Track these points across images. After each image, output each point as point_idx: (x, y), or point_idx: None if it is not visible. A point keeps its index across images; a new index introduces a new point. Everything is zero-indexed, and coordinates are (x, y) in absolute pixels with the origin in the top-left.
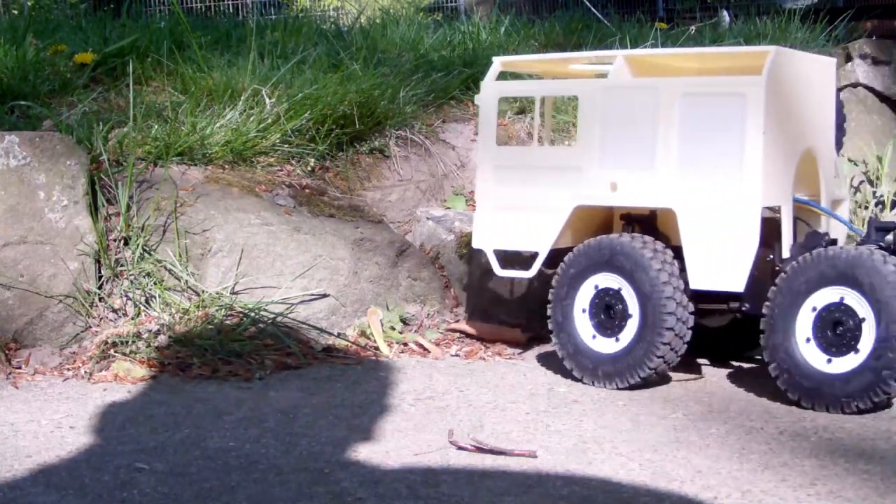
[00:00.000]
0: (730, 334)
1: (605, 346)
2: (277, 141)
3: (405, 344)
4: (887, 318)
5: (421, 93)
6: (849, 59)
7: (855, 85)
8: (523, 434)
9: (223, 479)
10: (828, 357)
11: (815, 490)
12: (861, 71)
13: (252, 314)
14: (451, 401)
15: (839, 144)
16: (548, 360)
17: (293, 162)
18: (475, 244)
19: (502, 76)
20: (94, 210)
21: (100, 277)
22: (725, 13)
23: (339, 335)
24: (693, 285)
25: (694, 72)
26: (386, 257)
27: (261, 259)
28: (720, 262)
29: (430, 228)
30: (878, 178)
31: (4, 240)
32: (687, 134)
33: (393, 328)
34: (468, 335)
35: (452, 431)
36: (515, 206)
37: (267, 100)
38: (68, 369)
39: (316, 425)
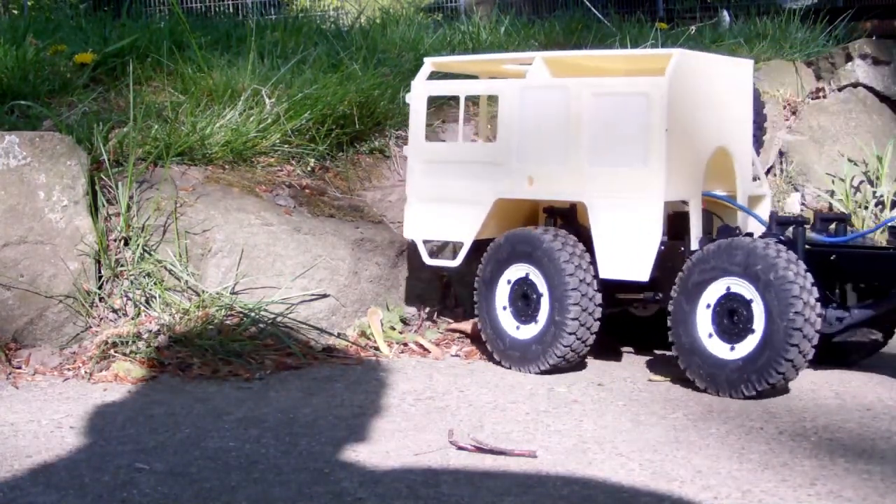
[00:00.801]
0: (657, 324)
1: (523, 332)
2: (277, 141)
3: (405, 344)
4: (776, 307)
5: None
6: (849, 59)
7: (855, 85)
8: (523, 434)
9: (223, 479)
10: (728, 345)
11: (815, 490)
12: (861, 71)
13: (252, 314)
14: (451, 401)
15: (759, 144)
16: None
17: (293, 162)
18: (406, 234)
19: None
20: (94, 210)
21: (100, 277)
22: (725, 13)
23: (339, 335)
24: (602, 275)
25: (623, 72)
26: (386, 257)
27: (261, 259)
28: (627, 253)
29: None
30: (878, 178)
31: (4, 240)
32: (596, 131)
33: (393, 328)
34: (468, 335)
35: (452, 431)
36: (442, 199)
37: (267, 100)
38: (68, 369)
39: (316, 425)
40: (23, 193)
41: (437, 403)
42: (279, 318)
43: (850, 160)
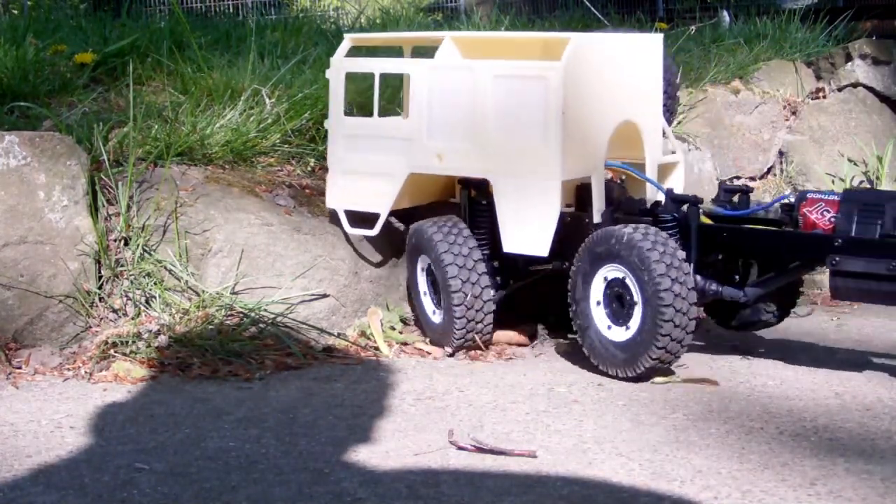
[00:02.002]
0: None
1: (436, 316)
2: (277, 141)
3: (405, 344)
4: (648, 289)
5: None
6: (849, 59)
7: (855, 85)
8: (523, 434)
9: (223, 479)
10: (612, 324)
11: (815, 490)
12: (861, 71)
13: (252, 314)
14: (451, 401)
15: (672, 114)
16: (548, 361)
17: (293, 162)
18: (328, 204)
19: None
20: (94, 210)
21: (100, 277)
22: (725, 13)
23: (339, 335)
24: (505, 249)
25: (540, 54)
26: (386, 257)
27: (261, 259)
28: (528, 229)
29: None
30: (878, 178)
31: (4, 240)
32: (499, 112)
33: (393, 328)
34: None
35: (452, 431)
36: (360, 171)
37: (267, 100)
38: (68, 369)
39: (316, 425)
40: (23, 193)
41: (437, 403)
42: (279, 318)
43: (850, 160)
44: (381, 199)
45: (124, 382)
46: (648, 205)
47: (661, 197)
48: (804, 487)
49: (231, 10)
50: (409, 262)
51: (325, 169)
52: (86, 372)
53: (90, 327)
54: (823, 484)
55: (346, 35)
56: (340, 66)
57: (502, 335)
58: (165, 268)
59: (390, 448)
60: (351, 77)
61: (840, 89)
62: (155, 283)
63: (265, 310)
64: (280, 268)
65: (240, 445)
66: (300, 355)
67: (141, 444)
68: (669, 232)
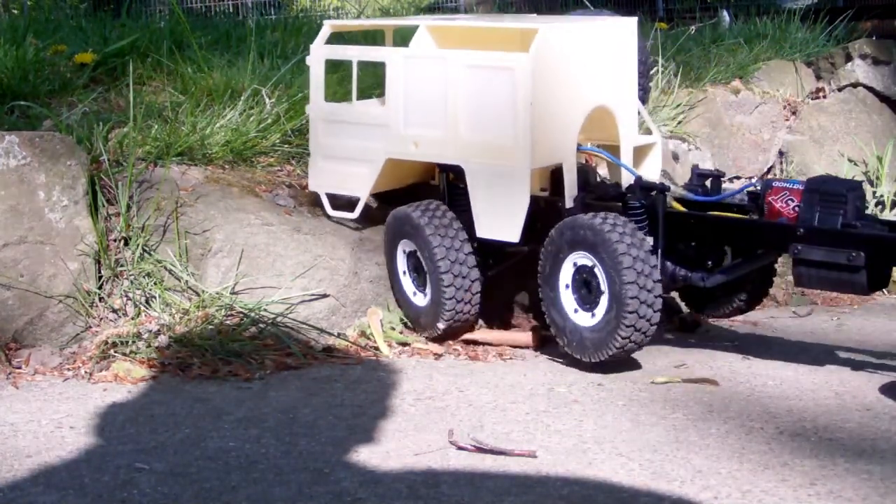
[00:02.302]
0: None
1: (417, 298)
2: (277, 141)
3: (405, 344)
4: (614, 277)
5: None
6: (849, 59)
7: (855, 85)
8: (523, 434)
9: (223, 479)
10: (587, 313)
11: (815, 490)
12: (861, 71)
13: (252, 314)
14: (451, 401)
15: (645, 91)
16: (548, 361)
17: (293, 162)
18: (310, 187)
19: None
20: (94, 210)
21: (100, 277)
22: (725, 13)
23: (339, 335)
24: (478, 234)
25: (517, 43)
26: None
27: (261, 259)
28: (499, 215)
29: None
30: (878, 178)
31: (4, 240)
32: (471, 100)
33: (393, 328)
34: (478, 343)
35: (452, 431)
36: (340, 156)
37: (267, 100)
38: (68, 369)
39: (316, 425)
40: (23, 193)
41: (437, 403)
42: (279, 318)
43: (850, 160)
44: (360, 183)
45: (124, 382)
46: (622, 189)
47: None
48: (804, 487)
49: (231, 10)
50: (389, 245)
51: None
52: (86, 372)
53: (90, 327)
54: (823, 484)
55: (325, 22)
56: (320, 52)
57: (507, 336)
58: (165, 268)
59: (390, 448)
60: (335, 64)
61: (840, 89)
62: (155, 283)
63: (265, 310)
64: (280, 268)
65: (240, 445)
66: (300, 355)
67: (141, 444)
68: (637, 219)
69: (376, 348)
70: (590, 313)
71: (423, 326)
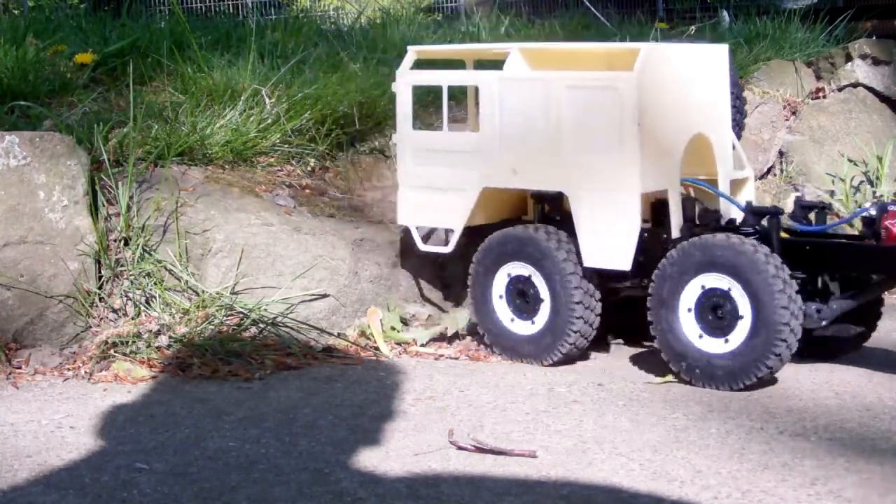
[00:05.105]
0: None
1: (522, 328)
2: (277, 141)
3: (405, 344)
4: (761, 303)
5: (421, 93)
6: (849, 59)
7: (855, 85)
8: (523, 434)
9: (223, 479)
10: (710, 339)
11: (815, 490)
12: (861, 71)
13: (252, 314)
14: (451, 401)
15: (740, 127)
16: None
17: (293, 162)
18: (399, 221)
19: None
20: (94, 210)
21: (100, 277)
22: (725, 13)
23: (339, 335)
24: (585, 263)
25: (604, 64)
26: (386, 257)
27: (261, 259)
28: (608, 242)
29: (431, 228)
30: (878, 178)
31: (4, 240)
32: (574, 123)
33: (393, 328)
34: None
35: (452, 431)
36: (432, 187)
37: (267, 100)
38: (68, 369)
39: (316, 425)
40: (23, 193)
41: (437, 403)
42: (279, 318)
43: (850, 160)
44: (454, 215)
45: (124, 382)
46: (724, 219)
47: (735, 213)
48: (804, 487)
49: (231, 10)
50: (487, 267)
51: (325, 169)
52: (86, 372)
53: (90, 327)
54: (823, 484)
55: (409, 48)
56: (407, 79)
57: None
58: (165, 268)
59: (390, 448)
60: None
61: (840, 89)
62: (155, 283)
63: (265, 310)
64: (280, 268)
65: (240, 445)
66: (300, 355)
67: (141, 444)
68: None
69: (376, 348)
70: (722, 339)
71: (525, 355)
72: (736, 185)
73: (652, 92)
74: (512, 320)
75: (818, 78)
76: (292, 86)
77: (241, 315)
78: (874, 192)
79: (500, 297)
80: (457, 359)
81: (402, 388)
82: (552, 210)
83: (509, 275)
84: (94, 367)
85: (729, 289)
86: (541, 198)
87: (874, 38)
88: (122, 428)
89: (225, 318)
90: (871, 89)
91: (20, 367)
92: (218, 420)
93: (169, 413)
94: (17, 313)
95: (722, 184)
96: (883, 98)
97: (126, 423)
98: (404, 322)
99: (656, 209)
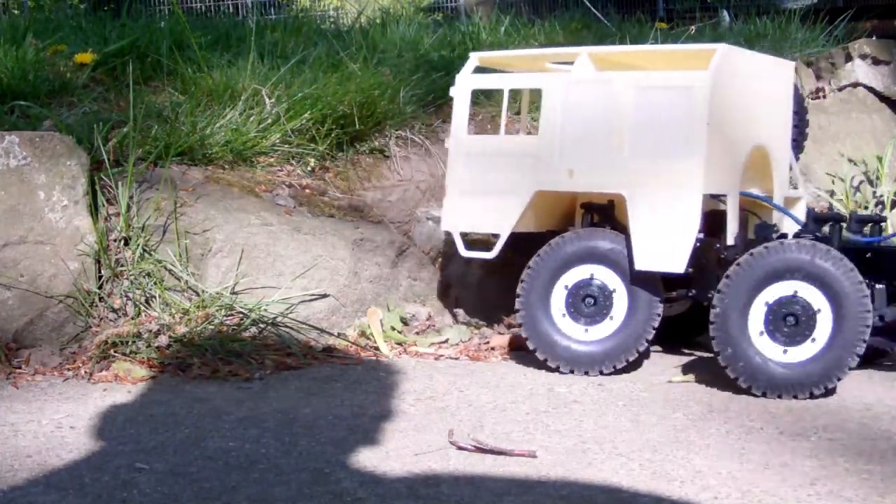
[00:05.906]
0: (682, 322)
1: (580, 333)
2: (277, 141)
3: (405, 344)
4: (844, 310)
5: (421, 93)
6: (849, 58)
7: (855, 85)
8: (523, 434)
9: (223, 479)
10: (783, 348)
11: (815, 490)
12: (861, 71)
13: (252, 314)
14: (451, 401)
15: (799, 147)
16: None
17: (293, 162)
18: (444, 227)
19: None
20: (94, 210)
21: (100, 277)
22: (725, 13)
23: (339, 335)
24: (638, 266)
25: (662, 69)
26: (386, 257)
27: (261, 259)
28: (664, 244)
29: (430, 228)
30: (878, 178)
31: (4, 240)
32: (639, 123)
33: (393, 328)
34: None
35: (452, 431)
36: (481, 191)
37: (267, 100)
38: (68, 369)
39: (316, 425)
40: (23, 193)
41: (437, 403)
42: (279, 318)
43: (850, 160)
44: (502, 220)
45: (124, 382)
46: (779, 231)
47: (787, 228)
48: (804, 487)
49: (231, 10)
50: (547, 274)
51: (325, 169)
52: (86, 372)
53: (90, 327)
54: (823, 484)
55: (472, 54)
56: (467, 83)
57: (505, 339)
58: (165, 268)
59: (390, 448)
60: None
61: (840, 89)
62: (155, 283)
63: (265, 310)
64: (280, 268)
65: (240, 445)
66: (300, 355)
67: (141, 444)
68: None
69: (376, 348)
70: (798, 346)
71: (573, 364)
72: (788, 203)
73: (723, 93)
74: (586, 331)
75: (818, 78)
76: (292, 86)
77: (241, 315)
78: (874, 192)
79: (563, 313)
80: (457, 359)
81: (402, 388)
82: (602, 219)
83: (570, 282)
84: (93, 367)
85: (805, 295)
86: (590, 206)
87: (874, 38)
88: (122, 428)
89: (225, 318)
90: (871, 89)
91: (20, 367)
92: (218, 420)
93: (169, 413)
94: (17, 313)
95: (777, 200)
96: (883, 98)
97: (126, 423)
98: (404, 322)
99: (709, 220)
